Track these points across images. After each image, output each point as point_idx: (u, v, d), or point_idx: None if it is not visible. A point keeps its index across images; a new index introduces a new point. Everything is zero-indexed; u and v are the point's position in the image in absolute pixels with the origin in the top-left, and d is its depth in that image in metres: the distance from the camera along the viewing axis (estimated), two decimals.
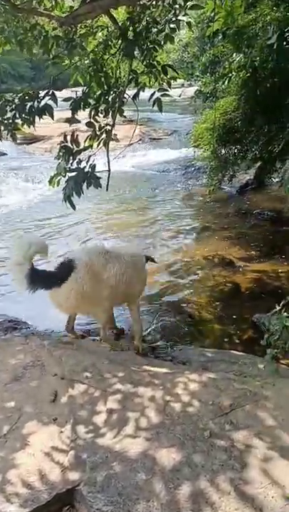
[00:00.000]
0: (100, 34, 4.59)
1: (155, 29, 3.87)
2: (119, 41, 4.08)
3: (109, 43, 4.38)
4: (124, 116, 4.29)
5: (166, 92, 3.86)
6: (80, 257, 3.17)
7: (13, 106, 3.81)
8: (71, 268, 3.09)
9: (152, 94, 3.81)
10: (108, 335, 3.49)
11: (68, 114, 3.82)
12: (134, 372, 2.82)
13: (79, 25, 4.33)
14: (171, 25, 4.09)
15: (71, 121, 3.81)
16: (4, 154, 12.15)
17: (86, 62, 4.38)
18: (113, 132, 4.04)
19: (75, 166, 3.78)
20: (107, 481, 2.01)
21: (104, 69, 4.31)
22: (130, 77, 4.07)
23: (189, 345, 3.54)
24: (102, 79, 4.24)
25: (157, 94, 3.86)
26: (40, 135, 13.29)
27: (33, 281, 2.99)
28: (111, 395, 2.59)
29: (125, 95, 4.06)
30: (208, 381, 2.68)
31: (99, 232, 6.53)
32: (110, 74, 4.36)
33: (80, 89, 4.12)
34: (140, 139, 13.31)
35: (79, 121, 3.91)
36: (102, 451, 2.16)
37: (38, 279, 3.02)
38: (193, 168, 10.12)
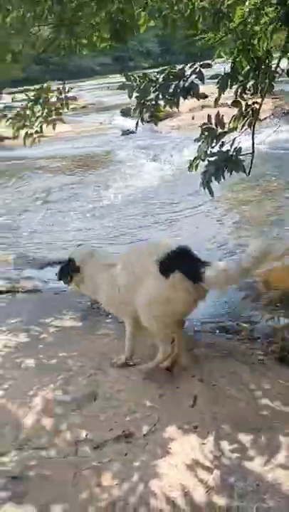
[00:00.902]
0: (248, 2, 4.17)
1: None
2: (275, 8, 3.65)
3: (262, 11, 3.95)
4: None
5: None
6: None
7: (157, 86, 3.65)
8: None
9: None
10: None
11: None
12: (283, 386, 2.54)
13: None
14: None
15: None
16: (133, 132, 12.22)
17: (233, 35, 4.02)
18: None
19: (216, 149, 3.53)
20: None
21: (252, 41, 3.93)
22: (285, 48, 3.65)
23: None
24: (251, 52, 3.87)
25: None
26: (168, 111, 13.13)
27: None
28: (257, 409, 2.36)
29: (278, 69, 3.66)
30: None
31: (229, 220, 6.14)
32: (258, 47, 3.96)
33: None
34: (272, 114, 12.37)
35: (206, 96, 3.63)
36: (251, 478, 1.95)
37: None
38: None
